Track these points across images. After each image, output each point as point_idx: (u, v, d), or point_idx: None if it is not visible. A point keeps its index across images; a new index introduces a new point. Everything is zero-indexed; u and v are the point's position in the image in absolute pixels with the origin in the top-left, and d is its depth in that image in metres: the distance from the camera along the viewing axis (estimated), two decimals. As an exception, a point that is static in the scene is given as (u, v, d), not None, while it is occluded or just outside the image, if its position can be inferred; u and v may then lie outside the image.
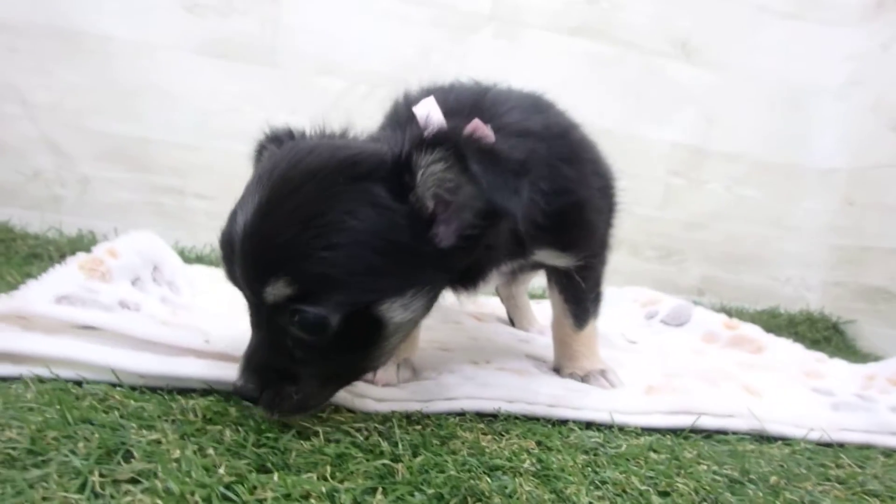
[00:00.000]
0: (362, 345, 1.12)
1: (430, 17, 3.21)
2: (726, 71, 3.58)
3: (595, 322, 1.70)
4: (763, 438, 1.46)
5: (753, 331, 2.36)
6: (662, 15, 3.50)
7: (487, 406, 1.36)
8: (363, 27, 3.16)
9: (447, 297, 1.33)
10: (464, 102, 1.36)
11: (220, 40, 3.05)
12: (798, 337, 3.03)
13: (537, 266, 1.63)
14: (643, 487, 1.08)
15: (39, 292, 1.41)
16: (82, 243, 2.79)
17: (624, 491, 1.07)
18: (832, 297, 3.55)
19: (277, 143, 1.25)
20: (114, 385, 1.21)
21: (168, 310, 1.69)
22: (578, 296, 1.65)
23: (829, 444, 1.48)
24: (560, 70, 3.37)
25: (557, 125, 1.45)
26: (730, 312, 3.07)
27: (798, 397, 1.75)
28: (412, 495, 0.92)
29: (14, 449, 0.88)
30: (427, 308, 1.18)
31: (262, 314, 1.08)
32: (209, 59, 3.05)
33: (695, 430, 1.44)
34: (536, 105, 1.49)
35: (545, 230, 1.32)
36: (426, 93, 1.38)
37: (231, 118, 3.01)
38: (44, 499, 0.78)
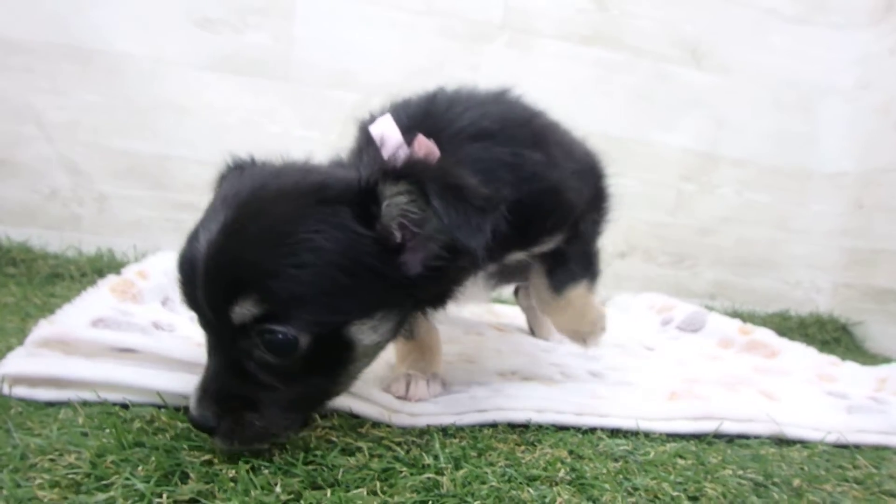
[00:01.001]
0: (330, 367, 1.11)
1: (442, 28, 3.26)
2: (735, 75, 3.64)
3: (586, 286, 1.59)
4: (782, 442, 1.50)
5: (767, 336, 2.41)
6: (671, 21, 3.56)
7: (518, 417, 1.40)
8: (376, 39, 3.21)
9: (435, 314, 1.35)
10: (416, 115, 1.34)
11: (233, 56, 3.10)
12: (808, 339, 3.08)
13: (523, 263, 1.56)
14: (674, 493, 1.11)
15: (76, 316, 1.46)
16: (102, 262, 2.85)
17: (656, 497, 1.10)
18: (842, 299, 3.59)
19: (240, 171, 1.23)
20: (158, 407, 1.24)
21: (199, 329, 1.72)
22: (558, 255, 1.54)
23: (845, 446, 1.51)
24: (572, 78, 3.43)
25: (516, 115, 1.43)
26: (741, 316, 3.11)
27: (814, 401, 1.78)
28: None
29: (76, 473, 0.92)
30: (395, 331, 1.18)
31: (222, 338, 1.05)
32: (223, 75, 3.10)
33: (717, 436, 1.48)
34: (495, 99, 1.47)
35: (515, 230, 1.22)
36: (379, 112, 1.38)
37: (247, 132, 3.06)
38: (122, 498, 0.81)
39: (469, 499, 0.99)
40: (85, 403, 1.22)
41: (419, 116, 1.33)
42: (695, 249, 3.70)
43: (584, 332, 1.61)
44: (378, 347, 1.17)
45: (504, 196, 1.21)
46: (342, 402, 1.28)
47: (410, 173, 1.04)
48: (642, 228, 3.62)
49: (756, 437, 1.50)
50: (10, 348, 1.45)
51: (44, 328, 1.34)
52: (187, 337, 1.58)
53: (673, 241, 3.67)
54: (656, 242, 3.64)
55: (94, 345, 1.34)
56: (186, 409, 1.08)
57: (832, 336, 3.28)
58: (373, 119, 1.34)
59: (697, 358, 2.21)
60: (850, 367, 2.17)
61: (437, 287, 1.19)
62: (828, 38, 3.68)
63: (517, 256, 1.46)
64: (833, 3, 3.68)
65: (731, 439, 1.48)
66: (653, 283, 3.49)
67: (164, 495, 0.89)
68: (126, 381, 1.25)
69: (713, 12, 3.59)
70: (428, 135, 1.25)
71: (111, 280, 1.76)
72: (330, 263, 1.02)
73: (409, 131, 1.24)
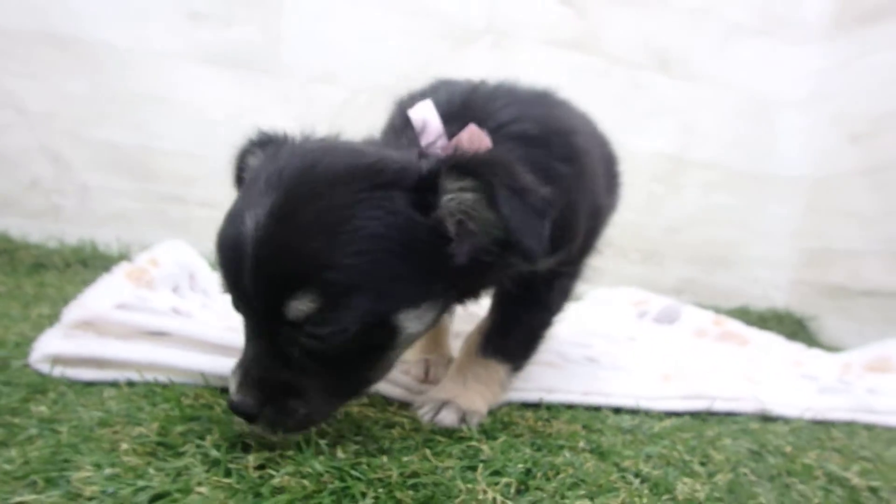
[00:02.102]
0: (373, 354, 1.09)
1: (429, 30, 3.35)
2: (702, 84, 3.82)
3: (506, 371, 1.43)
4: (766, 419, 1.64)
5: (738, 326, 2.55)
6: (644, 30, 3.71)
7: (531, 397, 1.49)
8: (364, 38, 3.27)
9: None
10: (455, 104, 1.29)
11: (222, 49, 3.11)
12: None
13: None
14: (686, 458, 1.22)
15: (100, 300, 1.50)
16: (85, 252, 2.85)
17: (669, 462, 1.21)
18: (798, 296, 3.78)
19: (268, 147, 1.18)
20: (199, 387, 1.29)
21: (213, 315, 1.77)
22: (511, 321, 1.45)
23: (820, 423, 1.68)
24: (550, 81, 3.51)
25: (559, 125, 1.38)
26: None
27: (789, 383, 1.94)
28: (505, 470, 1.03)
29: (147, 443, 0.97)
30: (435, 320, 1.16)
31: (271, 325, 1.01)
32: (210, 68, 3.10)
33: (708, 413, 1.61)
34: (538, 101, 1.44)
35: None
36: (420, 96, 1.35)
37: (234, 126, 3.06)
38: (198, 483, 0.87)
39: (509, 463, 1.06)
40: (130, 383, 1.26)
41: (458, 106, 1.29)
42: (663, 247, 3.85)
43: (470, 406, 1.32)
44: (419, 335, 1.15)
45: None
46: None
47: (477, 171, 1.01)
48: (615, 227, 3.73)
49: (743, 415, 1.64)
50: (22, 333, 1.50)
51: (76, 310, 1.39)
52: (205, 322, 1.63)
53: (643, 239, 3.81)
54: (628, 240, 3.77)
55: (126, 327, 1.39)
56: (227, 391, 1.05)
57: (789, 330, 3.44)
58: (412, 101, 1.31)
59: (677, 346, 2.32)
60: (816, 354, 2.32)
61: (481, 280, 1.21)
62: (785, 50, 3.89)
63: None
64: (790, 19, 3.88)
65: (720, 417, 1.60)
66: (625, 278, 3.61)
67: (236, 460, 0.95)
68: (170, 362, 1.30)
69: (683, 24, 3.77)
70: (461, 127, 1.21)
71: (126, 267, 1.79)
72: (386, 251, 0.99)
73: (448, 120, 1.21)
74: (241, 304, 1.03)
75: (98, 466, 0.86)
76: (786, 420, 1.65)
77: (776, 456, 1.34)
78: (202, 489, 0.83)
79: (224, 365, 1.30)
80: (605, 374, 1.74)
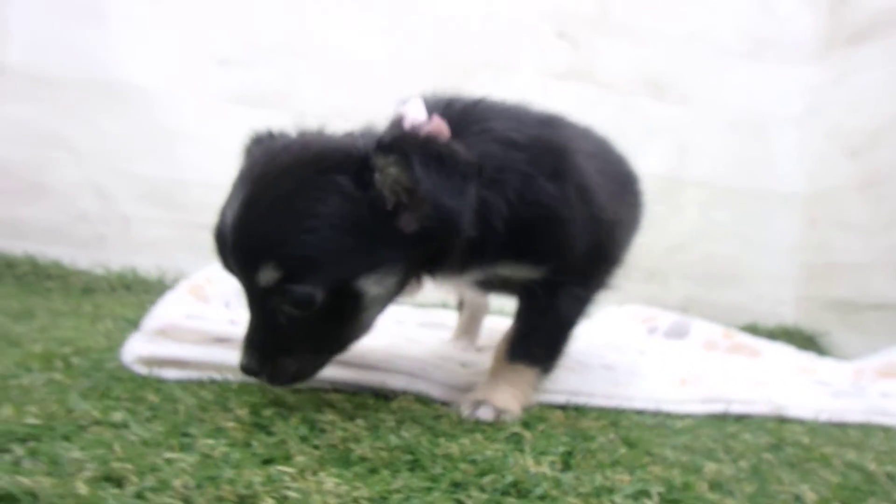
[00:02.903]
0: (345, 316, 1.24)
1: (431, 65, 3.56)
2: (695, 106, 3.98)
3: (535, 373, 1.54)
4: (781, 420, 1.75)
5: (748, 339, 2.68)
6: (637, 58, 3.90)
7: (558, 399, 1.62)
8: (370, 76, 3.49)
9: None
10: (454, 109, 1.39)
11: (245, 90, 3.34)
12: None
13: (507, 282, 1.56)
14: (710, 446, 1.36)
15: (171, 311, 1.66)
16: (128, 278, 3.03)
17: (694, 451, 1.34)
18: (804, 311, 3.89)
19: (260, 143, 1.36)
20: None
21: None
22: (531, 324, 1.56)
23: (836, 424, 1.77)
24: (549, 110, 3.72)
25: (550, 141, 1.45)
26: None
27: (803, 387, 2.05)
28: (548, 451, 1.18)
29: (243, 424, 1.12)
30: (401, 285, 1.31)
31: (255, 296, 1.19)
32: (236, 107, 3.33)
33: (724, 416, 1.72)
34: (538, 121, 1.51)
35: (506, 239, 1.35)
36: (436, 99, 1.45)
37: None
38: (295, 452, 1.02)
39: (551, 449, 1.20)
40: (212, 381, 1.42)
41: (457, 111, 1.39)
42: (665, 266, 3.98)
43: (504, 405, 1.43)
44: (386, 298, 1.30)
45: (506, 197, 1.32)
46: (415, 384, 1.53)
47: (397, 146, 1.15)
48: (615, 247, 3.89)
49: (759, 416, 1.74)
50: (100, 342, 1.67)
51: (153, 321, 1.55)
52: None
53: (645, 258, 3.93)
54: (630, 259, 3.90)
55: (197, 333, 1.54)
56: None
57: (799, 346, 3.52)
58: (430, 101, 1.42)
59: (688, 357, 2.45)
60: (827, 362, 2.44)
61: (432, 246, 1.28)
62: (778, 71, 4.05)
63: (503, 272, 1.49)
64: (780, 41, 4.06)
65: (738, 417, 1.72)
66: (628, 297, 3.72)
67: (317, 439, 1.10)
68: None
69: (674, 50, 3.95)
70: (456, 127, 1.31)
71: (188, 283, 1.96)
72: (332, 227, 1.14)
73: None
74: (237, 280, 1.22)
75: (214, 437, 1.02)
76: (801, 421, 1.75)
77: (795, 447, 1.45)
78: (300, 457, 0.98)
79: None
80: (623, 380, 1.86)
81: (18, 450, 0.87)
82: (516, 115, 1.47)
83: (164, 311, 1.64)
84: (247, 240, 1.16)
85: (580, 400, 1.64)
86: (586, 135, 1.80)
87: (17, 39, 3.10)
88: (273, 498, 0.80)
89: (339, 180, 1.16)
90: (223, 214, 1.20)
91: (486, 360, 1.65)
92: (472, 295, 2.07)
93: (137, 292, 2.91)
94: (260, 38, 3.40)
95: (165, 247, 3.24)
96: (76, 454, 0.87)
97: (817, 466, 1.32)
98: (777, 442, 1.48)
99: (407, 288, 1.37)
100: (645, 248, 3.87)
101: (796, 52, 4.06)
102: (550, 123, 1.56)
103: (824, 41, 3.98)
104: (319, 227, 1.14)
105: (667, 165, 3.97)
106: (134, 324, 2.00)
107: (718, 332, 2.75)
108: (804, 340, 3.63)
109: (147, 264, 3.16)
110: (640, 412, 1.66)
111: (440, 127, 1.28)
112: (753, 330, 3.65)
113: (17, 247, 3.02)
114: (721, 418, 1.70)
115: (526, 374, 1.52)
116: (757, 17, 4.05)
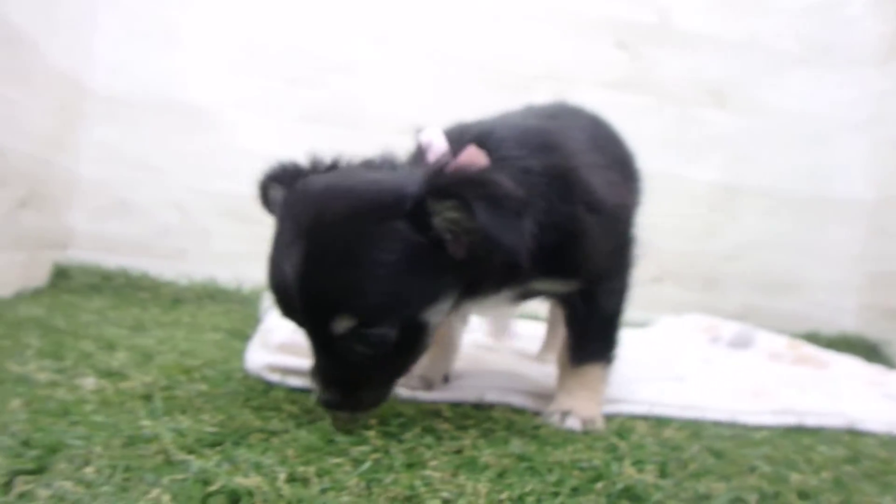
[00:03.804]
0: (413, 346, 1.31)
1: (490, 80, 3.69)
2: (755, 114, 4.03)
3: (600, 367, 1.67)
4: (854, 433, 1.80)
5: (813, 350, 2.73)
6: (695, 67, 3.96)
7: (639, 409, 1.73)
8: (432, 91, 3.65)
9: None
10: (468, 133, 1.45)
11: (314, 108, 3.53)
12: (840, 358, 3.38)
13: (542, 294, 1.66)
14: (790, 456, 1.46)
15: (281, 329, 1.80)
16: (210, 289, 3.21)
17: (774, 459, 1.43)
18: (866, 320, 3.90)
19: (283, 181, 1.40)
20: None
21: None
22: (581, 328, 1.67)
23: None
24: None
25: (557, 166, 1.48)
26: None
27: (874, 401, 2.09)
28: (645, 461, 1.29)
29: (378, 434, 1.26)
30: (453, 306, 1.36)
31: (326, 341, 1.24)
32: (305, 124, 3.51)
33: (797, 428, 1.79)
34: (541, 142, 1.53)
35: (541, 261, 1.37)
36: (449, 128, 1.53)
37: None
38: (428, 458, 1.15)
39: (647, 458, 1.31)
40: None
41: (472, 134, 1.45)
42: (723, 275, 4.04)
43: (588, 413, 1.57)
44: (441, 324, 1.39)
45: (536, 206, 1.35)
46: (507, 396, 1.67)
47: (456, 192, 1.19)
48: (673, 256, 3.98)
49: (832, 429, 1.80)
50: (216, 353, 1.82)
51: (275, 336, 1.71)
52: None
53: (702, 267, 4.02)
54: (687, 268, 3.99)
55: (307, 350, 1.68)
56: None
57: (862, 354, 3.48)
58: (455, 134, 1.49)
59: (754, 368, 2.52)
60: (896, 375, 2.49)
61: (482, 270, 1.33)
62: (841, 77, 4.06)
63: (537, 286, 1.57)
64: (843, 45, 4.07)
65: (811, 430, 1.78)
66: (685, 306, 3.80)
67: (441, 447, 1.23)
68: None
69: (733, 58, 3.99)
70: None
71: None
72: (398, 272, 1.20)
73: (454, 144, 1.40)
74: (304, 330, 1.28)
75: (362, 444, 1.17)
76: (874, 434, 1.80)
77: (872, 460, 1.52)
78: (433, 462, 1.12)
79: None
80: (696, 391, 1.94)
81: (213, 454, 1.02)
82: (523, 139, 1.49)
83: (278, 329, 1.79)
84: (316, 295, 1.20)
85: (659, 410, 1.74)
86: (582, 126, 1.86)
87: (102, 65, 3.31)
88: (435, 498, 0.94)
89: (397, 227, 1.20)
90: (281, 268, 1.22)
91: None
92: (501, 311, 2.19)
93: (221, 302, 3.09)
94: (326, 57, 3.57)
95: (242, 258, 3.40)
96: (259, 458, 1.01)
97: (896, 480, 1.40)
98: (854, 455, 1.56)
99: (454, 311, 1.43)
100: (702, 256, 4.02)
101: (860, 56, 4.06)
102: (551, 143, 1.56)
103: (889, 45, 3.98)
104: (385, 275, 1.19)
105: (725, 174, 4.02)
106: (233, 334, 2.18)
107: (783, 344, 2.80)
108: (866, 349, 3.63)
109: (226, 275, 3.34)
110: (717, 423, 1.74)
111: (476, 156, 1.36)
112: (815, 338, 3.67)
113: (110, 260, 3.24)
114: (794, 430, 1.77)
115: (594, 372, 1.65)
116: (819, 21, 4.06)
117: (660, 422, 1.68)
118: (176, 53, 3.41)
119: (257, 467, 0.98)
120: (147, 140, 3.37)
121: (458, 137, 1.43)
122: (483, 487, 1.01)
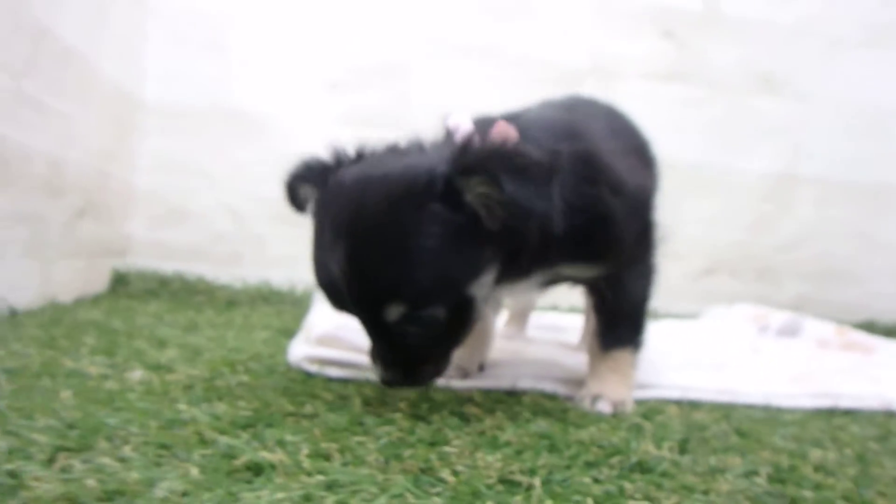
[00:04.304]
0: (463, 320, 1.35)
1: (535, 76, 3.72)
2: (808, 101, 3.98)
3: (629, 352, 1.71)
4: (890, 415, 1.81)
5: (861, 336, 2.72)
6: (745, 55, 3.93)
7: (672, 394, 1.76)
8: (478, 92, 3.66)
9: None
10: (494, 119, 1.47)
11: (357, 111, 3.61)
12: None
13: (569, 279, 1.69)
14: (816, 436, 1.49)
15: (323, 323, 1.89)
16: (264, 291, 3.33)
17: (802, 440, 1.46)
18: (926, 309, 3.82)
19: (311, 179, 1.45)
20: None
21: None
22: (609, 314, 1.71)
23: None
24: (656, 114, 3.76)
25: (585, 150, 1.51)
26: (829, 326, 3.40)
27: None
28: (666, 439, 1.33)
29: (405, 416, 1.33)
30: (496, 278, 1.38)
31: (380, 327, 1.30)
32: (349, 129, 3.56)
33: (833, 411, 1.80)
34: (566, 132, 1.57)
35: (567, 243, 1.43)
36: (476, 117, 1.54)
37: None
38: (452, 437, 1.22)
39: (669, 436, 1.34)
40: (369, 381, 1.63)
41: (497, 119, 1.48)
42: (777, 265, 4.02)
43: (618, 396, 1.62)
44: (488, 294, 1.40)
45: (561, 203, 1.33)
46: (541, 383, 1.73)
47: (481, 166, 1.22)
48: (726, 246, 3.97)
49: (869, 411, 1.81)
50: (262, 349, 1.92)
51: (315, 329, 1.79)
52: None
53: (756, 258, 3.99)
54: (740, 259, 3.98)
55: (348, 344, 1.76)
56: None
57: None
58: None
59: (802, 355, 2.52)
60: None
61: (519, 242, 1.36)
62: (894, 59, 4.01)
63: (565, 272, 1.61)
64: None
65: (847, 412, 1.80)
66: (738, 297, 3.76)
67: (467, 427, 1.29)
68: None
69: (784, 44, 3.95)
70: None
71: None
72: (440, 253, 1.24)
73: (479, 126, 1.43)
74: (354, 317, 1.33)
75: (387, 425, 1.24)
76: None
77: None
78: (456, 441, 1.18)
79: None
80: (735, 376, 1.97)
81: (244, 434, 1.10)
82: (549, 127, 1.55)
83: (319, 323, 1.87)
84: (365, 289, 1.25)
85: (693, 395, 1.78)
86: (599, 115, 1.88)
87: (153, 77, 3.45)
88: (448, 470, 1.00)
89: (434, 209, 1.23)
90: (327, 266, 1.28)
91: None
92: (528, 298, 2.32)
93: (274, 303, 3.20)
94: (368, 60, 3.65)
95: (295, 261, 3.49)
96: (288, 437, 1.09)
97: (922, 455, 1.42)
98: (884, 434, 1.58)
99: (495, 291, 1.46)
100: (756, 247, 3.99)
101: None
102: (575, 131, 1.60)
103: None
104: (429, 259, 1.23)
105: (779, 163, 4.00)
106: (282, 332, 2.28)
107: (831, 330, 2.79)
108: (923, 337, 3.59)
109: (279, 278, 3.44)
110: (750, 406, 1.77)
111: (507, 130, 1.39)
112: (870, 327, 3.64)
113: (167, 266, 3.38)
114: (830, 413, 1.78)
115: (623, 357, 1.69)
116: (875, 3, 3.99)
117: (693, 406, 1.72)
118: (224, 62, 3.53)
119: (283, 444, 1.05)
120: (199, 148, 3.50)
121: (484, 124, 1.45)
122: (498, 462, 1.07)
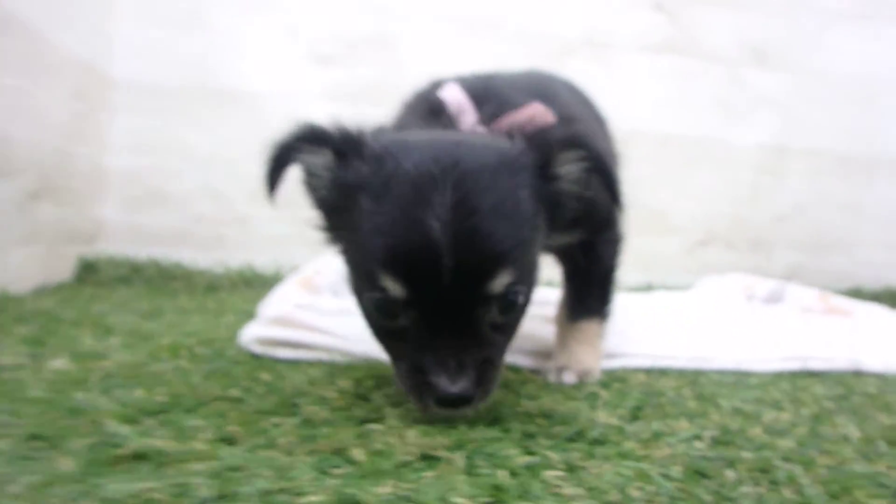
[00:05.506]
0: (525, 309, 1.22)
1: (529, 48, 3.64)
2: (802, 73, 3.93)
3: (597, 322, 1.67)
4: (860, 375, 1.82)
5: (842, 301, 2.71)
6: (739, 27, 3.87)
7: (642, 362, 1.75)
8: (470, 65, 3.55)
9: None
10: (477, 89, 1.44)
11: (345, 86, 3.51)
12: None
13: (548, 248, 1.59)
14: (777, 398, 1.45)
15: (283, 303, 1.84)
16: (246, 275, 3.26)
17: (762, 401, 1.43)
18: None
19: (335, 143, 1.23)
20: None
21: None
22: (580, 281, 1.68)
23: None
24: (651, 87, 3.78)
25: (564, 116, 1.48)
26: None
27: (890, 344, 2.07)
28: (620, 407, 1.29)
29: (345, 394, 1.29)
30: None
31: (468, 311, 1.10)
32: (337, 103, 3.49)
33: (804, 372, 1.80)
34: (543, 89, 1.59)
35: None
36: (439, 83, 1.56)
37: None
38: (390, 416, 1.17)
39: (623, 404, 1.32)
40: (319, 362, 1.60)
41: (481, 91, 1.44)
42: (770, 236, 3.99)
43: (584, 366, 1.58)
44: None
45: None
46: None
47: (582, 145, 1.21)
48: (721, 218, 3.93)
49: (838, 372, 1.81)
50: (222, 333, 1.87)
51: (272, 308, 1.74)
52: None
53: (749, 229, 3.96)
54: (734, 231, 3.94)
55: (306, 325, 1.71)
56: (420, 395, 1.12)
57: None
58: (422, 100, 1.56)
59: (782, 321, 2.49)
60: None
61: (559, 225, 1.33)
62: (887, 32, 3.96)
63: (554, 240, 1.50)
64: (887, 1, 3.95)
65: (817, 374, 1.79)
66: (733, 267, 3.72)
67: (410, 405, 1.24)
68: (345, 347, 1.64)
69: (777, 16, 3.89)
70: (493, 110, 1.39)
71: (297, 276, 2.15)
72: (534, 226, 1.16)
73: (476, 102, 1.40)
74: (428, 306, 1.09)
75: (320, 405, 1.18)
76: (881, 376, 1.82)
77: (861, 396, 1.54)
78: (392, 419, 1.13)
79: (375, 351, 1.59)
80: (709, 343, 1.94)
81: (150, 421, 1.05)
82: (531, 91, 1.53)
83: (277, 303, 1.83)
84: (476, 248, 1.06)
85: (662, 363, 1.76)
86: (563, 86, 1.85)
87: (123, 53, 3.30)
88: (363, 449, 0.95)
89: (533, 177, 1.17)
90: (422, 223, 1.04)
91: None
92: None
93: (256, 287, 3.13)
94: (355, 33, 3.53)
95: (282, 243, 3.43)
96: (197, 422, 1.05)
97: (877, 412, 1.39)
98: (846, 393, 1.56)
99: None
100: (749, 219, 3.94)
101: None
102: (554, 91, 1.64)
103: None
104: (532, 225, 1.15)
105: (772, 135, 3.96)
106: (253, 316, 2.22)
107: (814, 296, 2.77)
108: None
109: (264, 260, 3.38)
110: (721, 372, 1.76)
111: (542, 112, 1.36)
112: (857, 293, 3.63)
113: (143, 252, 3.28)
114: (799, 375, 1.77)
115: (591, 327, 1.67)
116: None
117: (662, 373, 1.69)
118: (203, 35, 3.39)
119: (185, 431, 1.01)
120: (177, 127, 3.37)
121: (474, 97, 1.42)
122: (424, 437, 1.02)
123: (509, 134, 1.24)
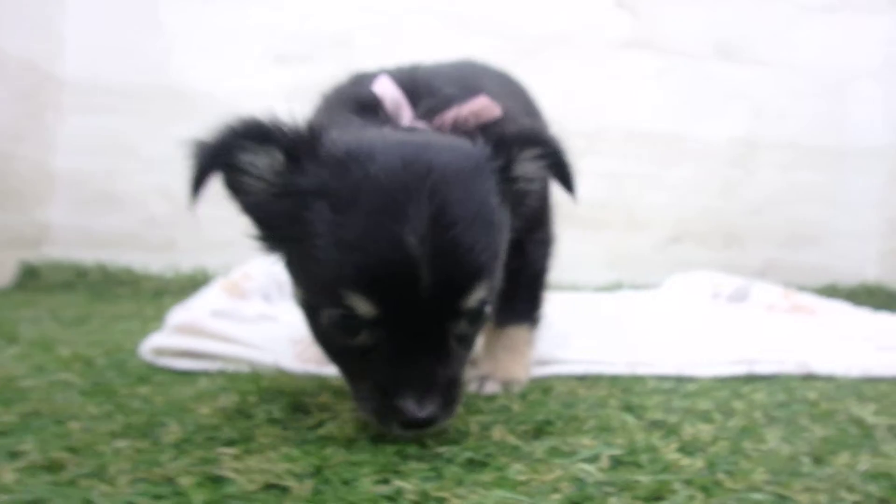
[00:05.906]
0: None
1: (495, 46, 3.49)
2: (770, 66, 3.89)
3: (526, 329, 1.58)
4: (809, 378, 1.70)
5: (807, 299, 2.62)
6: (704, 21, 3.82)
7: (577, 369, 1.64)
8: (434, 58, 3.49)
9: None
10: (404, 82, 1.34)
11: (305, 85, 3.39)
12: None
13: None
14: (707, 408, 1.35)
15: (199, 308, 1.75)
16: (198, 280, 3.15)
17: (691, 411, 1.33)
18: (889, 267, 3.78)
19: (283, 141, 1.12)
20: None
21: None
22: (508, 286, 1.43)
23: (870, 379, 1.71)
24: (619, 83, 3.70)
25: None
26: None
27: (846, 344, 1.99)
28: (527, 422, 1.19)
29: (224, 410, 1.19)
30: None
31: (429, 328, 1.03)
32: (297, 103, 3.40)
33: (755, 377, 1.69)
34: (469, 78, 1.53)
35: None
36: (351, 88, 1.54)
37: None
38: (260, 434, 1.07)
39: (532, 418, 1.20)
40: (220, 372, 1.50)
41: (408, 84, 1.34)
42: (744, 231, 3.92)
43: (510, 375, 1.48)
44: None
45: None
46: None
47: (541, 142, 1.19)
48: (693, 214, 3.85)
49: (787, 376, 1.71)
50: (124, 346, 1.74)
51: (178, 315, 1.64)
52: (290, 323, 1.85)
53: (723, 224, 3.89)
54: (707, 226, 3.86)
55: (217, 335, 1.61)
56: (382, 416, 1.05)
57: (882, 303, 3.34)
58: (342, 94, 1.53)
59: (744, 321, 2.41)
60: (883, 317, 2.35)
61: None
62: (854, 23, 3.91)
63: None
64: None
65: (767, 378, 1.68)
66: (706, 265, 3.66)
67: (296, 423, 1.15)
68: (248, 356, 1.54)
69: (742, 9, 3.86)
70: (431, 104, 1.31)
71: (221, 281, 2.06)
72: (503, 232, 1.12)
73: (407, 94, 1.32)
74: (398, 324, 1.02)
75: (186, 424, 1.08)
76: (831, 378, 1.70)
77: (802, 404, 1.43)
78: (263, 439, 1.03)
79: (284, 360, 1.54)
80: (653, 346, 1.86)
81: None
82: (456, 80, 1.45)
83: (186, 309, 1.73)
84: (455, 262, 1.00)
85: (598, 368, 1.65)
86: (499, 78, 1.81)
87: (73, 52, 3.22)
88: (200, 477, 0.86)
89: (495, 179, 1.11)
90: (397, 237, 0.96)
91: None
92: None
93: (206, 291, 3.05)
94: (315, 31, 3.45)
95: (235, 245, 3.34)
96: (27, 446, 0.94)
97: (812, 423, 1.28)
98: (787, 400, 1.46)
99: None
100: (722, 214, 3.87)
101: (872, 2, 3.93)
102: (478, 78, 1.60)
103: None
104: (500, 238, 1.10)
105: (742, 129, 3.91)
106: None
107: (779, 294, 2.69)
108: (886, 297, 3.50)
109: (217, 264, 3.27)
110: (660, 377, 1.65)
111: (489, 106, 1.30)
112: (832, 290, 3.56)
113: (91, 255, 3.17)
114: (744, 379, 1.66)
115: (519, 334, 1.57)
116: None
117: (596, 380, 1.59)
118: (156, 35, 3.32)
119: (7, 456, 0.91)
120: (129, 127, 3.28)
121: (408, 85, 1.33)
122: (281, 462, 0.93)
123: (468, 133, 1.18)
